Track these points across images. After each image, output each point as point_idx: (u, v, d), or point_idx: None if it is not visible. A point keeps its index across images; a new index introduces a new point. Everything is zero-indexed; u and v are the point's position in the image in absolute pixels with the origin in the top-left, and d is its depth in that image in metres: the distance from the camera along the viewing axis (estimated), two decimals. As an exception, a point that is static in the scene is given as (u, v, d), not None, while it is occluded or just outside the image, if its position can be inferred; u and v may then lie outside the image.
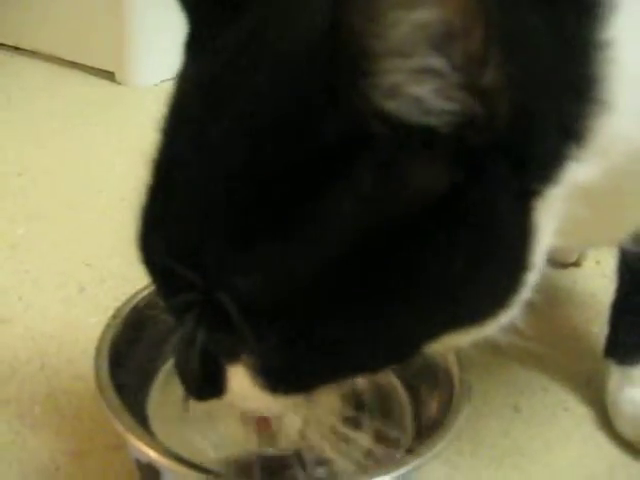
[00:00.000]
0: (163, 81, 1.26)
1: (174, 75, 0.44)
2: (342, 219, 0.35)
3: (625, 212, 0.48)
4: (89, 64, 1.45)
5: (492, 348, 0.45)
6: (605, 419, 0.68)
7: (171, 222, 0.39)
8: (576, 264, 0.89)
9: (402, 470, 0.48)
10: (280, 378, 0.41)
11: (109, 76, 1.39)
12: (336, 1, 0.30)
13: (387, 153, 0.33)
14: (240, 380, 0.42)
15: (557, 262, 0.88)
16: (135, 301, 0.60)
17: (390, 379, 0.61)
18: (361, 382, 0.58)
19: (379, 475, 0.48)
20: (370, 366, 0.43)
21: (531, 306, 0.87)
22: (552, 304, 0.84)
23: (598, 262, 0.87)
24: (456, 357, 0.57)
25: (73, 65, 1.45)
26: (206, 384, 0.43)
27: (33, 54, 1.50)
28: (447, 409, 0.53)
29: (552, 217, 0.40)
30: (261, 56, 0.37)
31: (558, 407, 0.70)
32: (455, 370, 0.56)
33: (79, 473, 0.59)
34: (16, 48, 1.53)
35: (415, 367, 0.57)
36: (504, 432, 0.66)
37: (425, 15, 0.29)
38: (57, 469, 0.59)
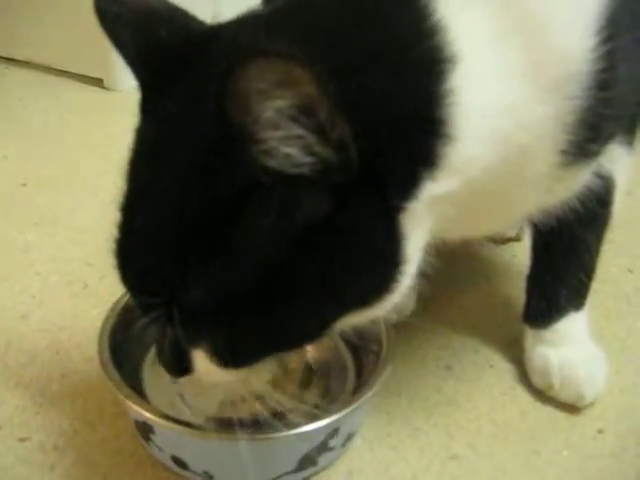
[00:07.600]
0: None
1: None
2: (256, 240, 0.45)
3: (496, 209, 0.57)
4: (79, 72, 1.48)
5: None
6: (524, 373, 0.74)
7: (135, 261, 0.49)
8: (516, 239, 0.94)
9: (334, 417, 0.59)
10: (225, 358, 0.51)
11: (98, 82, 1.45)
12: (221, 104, 0.39)
13: (278, 194, 0.44)
14: (201, 361, 0.51)
15: (498, 239, 0.94)
16: (128, 296, 0.66)
17: (340, 347, 0.72)
18: (314, 351, 0.70)
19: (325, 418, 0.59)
20: (292, 343, 0.53)
21: (471, 277, 0.97)
22: (492, 275, 0.90)
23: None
24: (386, 326, 0.67)
25: (64, 74, 1.48)
26: (177, 366, 0.53)
27: (27, 64, 1.52)
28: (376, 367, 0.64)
29: (421, 222, 0.49)
30: (182, 130, 0.46)
31: (485, 365, 0.76)
32: (384, 337, 0.66)
33: (92, 435, 0.66)
34: (10, 59, 1.54)
35: (357, 336, 0.64)
36: (437, 388, 0.73)
37: (280, 103, 0.40)
38: (75, 432, 0.67)
